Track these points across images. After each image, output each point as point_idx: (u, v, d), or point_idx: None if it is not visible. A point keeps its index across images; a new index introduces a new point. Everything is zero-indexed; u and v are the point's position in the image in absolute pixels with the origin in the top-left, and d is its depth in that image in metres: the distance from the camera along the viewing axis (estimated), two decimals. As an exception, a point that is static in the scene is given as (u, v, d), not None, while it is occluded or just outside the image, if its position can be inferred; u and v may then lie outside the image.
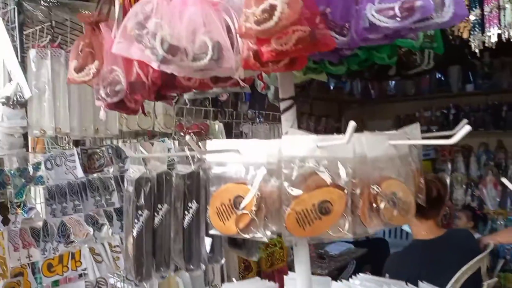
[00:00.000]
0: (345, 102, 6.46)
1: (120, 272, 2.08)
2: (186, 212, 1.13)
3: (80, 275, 1.99)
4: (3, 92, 1.73)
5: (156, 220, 1.12)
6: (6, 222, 1.68)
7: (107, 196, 2.04)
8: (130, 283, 2.14)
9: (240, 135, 2.82)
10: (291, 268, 3.34)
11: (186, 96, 2.41)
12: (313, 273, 0.96)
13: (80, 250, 1.92)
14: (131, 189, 1.15)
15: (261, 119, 2.89)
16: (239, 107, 2.70)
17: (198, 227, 1.13)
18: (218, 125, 2.61)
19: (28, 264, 1.76)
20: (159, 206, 1.15)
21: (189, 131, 2.42)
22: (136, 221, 1.10)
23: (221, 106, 2.68)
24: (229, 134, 2.68)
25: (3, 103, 1.70)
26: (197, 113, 2.59)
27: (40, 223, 1.81)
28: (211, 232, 0.88)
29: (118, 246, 2.04)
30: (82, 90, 1.91)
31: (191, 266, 1.12)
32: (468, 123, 0.80)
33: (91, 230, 1.95)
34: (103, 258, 1.99)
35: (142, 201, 1.11)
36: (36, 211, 1.77)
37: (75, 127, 1.88)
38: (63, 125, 1.83)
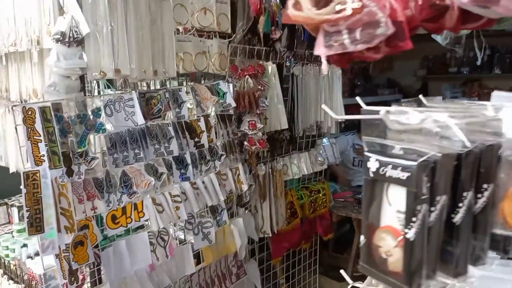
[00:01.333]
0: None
1: (180, 222, 2.00)
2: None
3: (142, 226, 1.91)
4: (57, 27, 1.51)
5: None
6: (70, 173, 1.55)
7: (166, 144, 1.89)
8: (188, 232, 2.07)
9: (291, 78, 2.61)
10: (331, 213, 3.31)
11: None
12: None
13: (142, 201, 1.81)
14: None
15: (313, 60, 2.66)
16: (295, 46, 2.46)
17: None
18: (270, 67, 2.40)
19: (93, 216, 1.66)
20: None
21: (245, 73, 2.21)
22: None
23: (273, 45, 2.44)
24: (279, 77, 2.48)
25: (58, 40, 1.49)
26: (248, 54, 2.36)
27: (103, 174, 1.68)
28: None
29: (178, 195, 1.93)
30: (139, 27, 1.68)
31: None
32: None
33: (152, 179, 1.83)
34: (164, 208, 1.89)
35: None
36: (98, 161, 1.63)
37: (134, 69, 1.68)
38: (122, 66, 1.63)
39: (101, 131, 1.64)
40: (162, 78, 1.87)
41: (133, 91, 1.74)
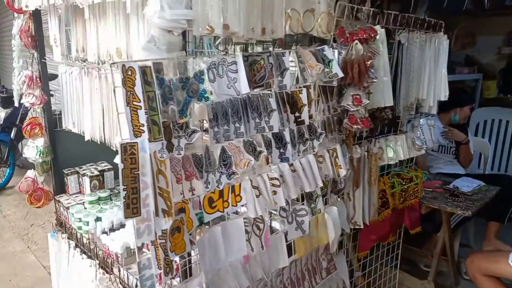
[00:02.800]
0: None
1: (276, 208, 1.73)
2: None
3: (237, 212, 1.67)
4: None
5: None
6: (170, 147, 1.31)
7: (266, 118, 1.61)
8: (282, 220, 1.80)
9: (397, 47, 2.23)
10: (421, 205, 2.95)
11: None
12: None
13: (240, 183, 1.56)
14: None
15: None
16: (411, 9, 2.07)
17: None
18: (379, 32, 2.03)
19: (189, 199, 1.42)
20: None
21: (354, 37, 1.87)
22: None
23: (380, 6, 2.06)
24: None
25: (163, -14, 1.22)
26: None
27: (202, 150, 1.43)
28: None
29: (276, 178, 1.66)
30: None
31: None
32: None
33: (251, 159, 1.56)
34: (262, 192, 1.63)
35: None
36: (199, 134, 1.38)
37: (242, 26, 1.39)
38: (231, 22, 1.34)
39: (203, 99, 1.37)
40: (269, 38, 1.56)
41: (238, 53, 1.45)
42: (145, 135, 1.23)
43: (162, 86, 1.27)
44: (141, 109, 1.22)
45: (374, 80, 1.94)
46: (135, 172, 1.24)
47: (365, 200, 2.31)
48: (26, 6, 2.13)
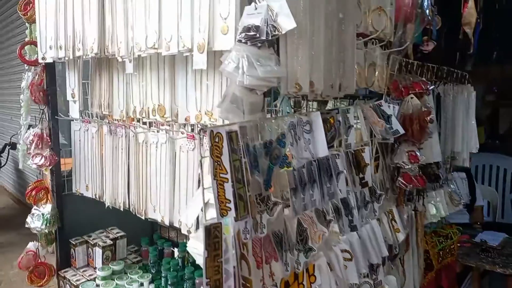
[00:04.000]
0: None
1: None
2: None
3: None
4: (246, 18, 1.08)
5: None
6: (254, 226, 1.09)
7: (335, 182, 1.43)
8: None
9: (436, 100, 2.15)
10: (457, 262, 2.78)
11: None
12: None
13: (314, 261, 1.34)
14: None
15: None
16: (457, 60, 2.01)
17: None
18: (425, 85, 1.94)
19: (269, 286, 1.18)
20: None
21: (409, 91, 1.76)
22: None
23: (425, 59, 1.99)
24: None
25: (250, 38, 1.05)
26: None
27: (281, 226, 1.21)
28: None
29: (347, 250, 1.46)
30: (328, 26, 1.25)
31: None
32: None
33: (325, 230, 1.36)
34: (334, 267, 1.41)
35: None
36: (281, 207, 1.17)
37: (323, 83, 1.24)
38: (316, 79, 1.19)
39: (285, 166, 1.18)
40: (343, 95, 1.42)
41: (316, 112, 1.29)
42: (232, 213, 1.01)
43: (250, 153, 1.07)
44: (228, 182, 1.01)
45: (431, 136, 1.82)
46: (218, 260, 1.01)
47: (414, 263, 2.12)
48: (43, 58, 1.92)
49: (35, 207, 2.13)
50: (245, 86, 1.08)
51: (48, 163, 2.07)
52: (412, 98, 1.76)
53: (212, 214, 1.05)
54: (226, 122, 1.34)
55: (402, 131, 1.68)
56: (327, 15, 1.24)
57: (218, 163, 1.00)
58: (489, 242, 3.01)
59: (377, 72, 1.66)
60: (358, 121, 1.58)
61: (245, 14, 1.10)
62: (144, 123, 1.80)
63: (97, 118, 2.01)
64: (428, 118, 1.73)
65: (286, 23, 1.06)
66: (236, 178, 1.03)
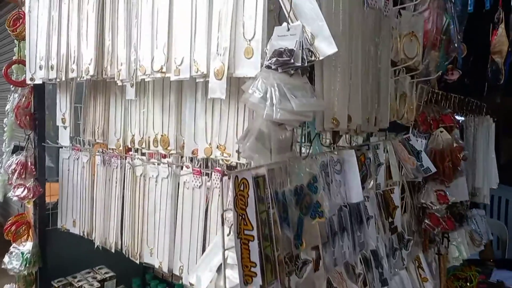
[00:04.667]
0: None
1: None
2: None
3: None
4: (276, 41, 0.90)
5: None
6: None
7: (365, 230, 1.23)
8: None
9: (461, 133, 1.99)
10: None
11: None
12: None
13: (345, 325, 1.13)
14: None
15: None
16: (485, 91, 1.86)
17: None
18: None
19: None
20: None
21: (438, 124, 1.60)
22: None
23: (448, 89, 1.84)
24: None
25: (283, 64, 0.87)
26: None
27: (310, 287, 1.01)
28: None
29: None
30: (366, 53, 1.09)
31: None
32: None
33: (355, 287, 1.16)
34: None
35: None
36: (310, 266, 0.97)
37: (361, 117, 1.06)
38: (353, 113, 1.01)
39: (317, 216, 0.98)
40: (377, 129, 1.24)
41: (350, 149, 1.10)
42: (258, 280, 0.81)
43: (277, 201, 0.88)
44: (253, 240, 0.81)
45: (463, 175, 1.65)
46: None
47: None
48: (31, 79, 1.72)
49: (14, 244, 1.88)
50: (273, 121, 0.90)
51: (32, 195, 1.84)
52: (441, 132, 1.60)
53: (232, 276, 0.85)
54: (243, 160, 1.16)
55: (433, 169, 1.51)
56: (364, 38, 1.07)
57: (243, 216, 0.80)
58: (506, 283, 2.82)
59: (406, 104, 1.50)
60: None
61: (275, 35, 0.92)
62: (143, 154, 1.60)
63: (90, 146, 1.81)
64: (461, 155, 1.56)
65: (326, 47, 0.88)
66: (263, 234, 0.83)
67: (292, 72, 0.90)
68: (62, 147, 1.91)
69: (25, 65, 1.80)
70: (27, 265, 1.84)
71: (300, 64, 0.88)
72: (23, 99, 1.83)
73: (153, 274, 2.27)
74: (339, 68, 0.97)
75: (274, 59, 0.89)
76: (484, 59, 1.79)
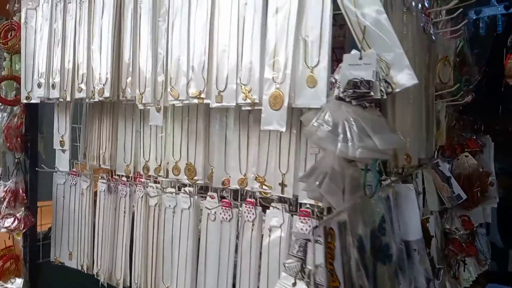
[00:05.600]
0: None
1: None
2: None
3: None
4: (348, 70, 0.81)
5: None
6: None
7: (416, 267, 1.16)
8: None
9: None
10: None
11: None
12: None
13: None
14: None
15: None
16: (500, 111, 1.86)
17: None
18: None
19: None
20: None
21: (465, 149, 1.57)
22: None
23: (466, 112, 1.82)
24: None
25: (360, 97, 0.79)
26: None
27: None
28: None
29: None
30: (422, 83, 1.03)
31: None
32: None
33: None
34: None
35: None
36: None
37: (418, 151, 0.99)
38: (420, 146, 0.94)
39: (387, 261, 0.90)
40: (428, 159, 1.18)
41: (407, 184, 1.03)
42: None
43: (358, 249, 0.78)
44: (341, 298, 0.71)
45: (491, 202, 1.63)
46: None
47: None
48: (27, 98, 1.55)
49: (1, 282, 1.68)
50: (344, 158, 0.81)
51: (23, 226, 1.65)
52: (467, 156, 1.56)
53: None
54: (287, 194, 1.06)
55: (464, 195, 1.47)
56: (422, 65, 1.01)
57: (331, 272, 0.70)
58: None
59: (440, 129, 1.46)
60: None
61: (345, 64, 0.84)
62: (157, 181, 1.46)
63: (91, 171, 1.64)
64: (489, 180, 1.54)
65: (405, 78, 0.81)
66: (348, 290, 0.73)
67: (367, 105, 0.82)
68: (56, 172, 1.73)
69: (17, 82, 1.63)
70: (16, 305, 1.64)
71: (379, 97, 0.80)
72: (15, 119, 1.64)
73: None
74: (411, 99, 0.90)
75: (351, 90, 0.80)
76: (498, 82, 1.80)
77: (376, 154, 0.79)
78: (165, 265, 1.42)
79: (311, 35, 0.89)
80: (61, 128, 1.61)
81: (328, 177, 0.81)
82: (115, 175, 1.58)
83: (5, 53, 1.65)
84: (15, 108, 1.68)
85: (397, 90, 0.82)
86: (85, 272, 1.66)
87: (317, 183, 0.83)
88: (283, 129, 0.91)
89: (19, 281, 1.67)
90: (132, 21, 1.22)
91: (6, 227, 1.63)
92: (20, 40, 1.57)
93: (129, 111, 1.48)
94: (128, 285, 1.52)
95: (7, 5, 1.66)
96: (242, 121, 1.18)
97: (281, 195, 1.09)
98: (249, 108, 0.99)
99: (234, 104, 1.00)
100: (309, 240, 0.84)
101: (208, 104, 1.16)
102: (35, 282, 1.74)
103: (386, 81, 0.82)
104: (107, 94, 1.27)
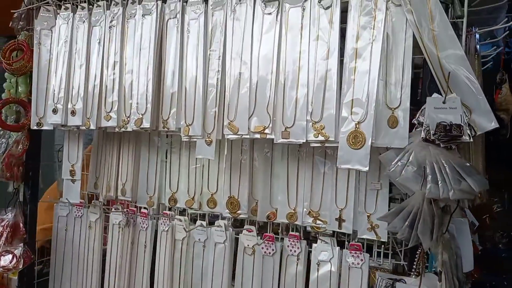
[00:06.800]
0: None
1: None
2: None
3: None
4: (434, 113, 0.85)
5: None
6: None
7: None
8: None
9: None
10: None
11: None
12: None
13: None
14: None
15: None
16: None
17: None
18: None
19: None
20: None
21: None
22: None
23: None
24: None
25: (452, 139, 0.82)
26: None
27: None
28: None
29: None
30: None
31: None
32: None
33: None
34: None
35: None
36: None
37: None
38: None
39: (461, 295, 0.93)
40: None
41: (462, 218, 1.08)
42: None
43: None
44: None
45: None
46: None
47: None
48: (39, 124, 1.42)
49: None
50: (432, 198, 0.84)
51: (22, 263, 1.49)
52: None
53: None
54: (345, 229, 1.06)
55: (476, 222, 1.56)
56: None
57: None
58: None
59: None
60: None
61: (430, 107, 0.87)
62: (182, 213, 1.40)
63: (102, 203, 1.53)
64: (494, 207, 1.65)
65: (485, 122, 0.86)
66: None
67: (453, 147, 0.86)
68: (69, 204, 1.59)
69: (22, 106, 1.50)
70: None
71: (468, 140, 0.84)
72: (17, 146, 1.50)
73: None
74: (480, 139, 0.96)
75: (442, 133, 0.84)
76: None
77: (466, 195, 0.83)
78: (194, 303, 1.35)
79: (393, 77, 0.92)
80: (72, 157, 1.50)
81: (421, 217, 0.83)
82: (130, 207, 1.49)
83: (6, 74, 1.52)
84: (15, 134, 1.53)
85: (479, 133, 0.87)
86: (90, 312, 1.54)
87: (407, 223, 0.85)
88: (366, 169, 0.92)
89: (14, 327, 1.50)
90: (178, 47, 1.18)
91: (2, 267, 1.46)
92: (29, 61, 1.45)
93: (153, 139, 1.42)
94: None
95: (10, 23, 1.54)
96: (291, 154, 1.18)
97: (338, 230, 1.10)
98: (318, 144, 0.99)
99: (304, 141, 1.00)
100: (396, 280, 0.85)
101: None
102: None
103: (469, 125, 0.87)
104: (146, 124, 1.21)
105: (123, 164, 1.46)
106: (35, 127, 1.43)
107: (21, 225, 1.51)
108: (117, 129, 1.29)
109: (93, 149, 1.56)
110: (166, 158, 1.41)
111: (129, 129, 1.26)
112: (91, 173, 1.56)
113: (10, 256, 1.49)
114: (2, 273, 1.53)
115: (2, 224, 1.49)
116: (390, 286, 0.84)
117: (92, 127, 1.32)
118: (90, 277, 1.54)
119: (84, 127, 1.35)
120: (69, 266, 1.59)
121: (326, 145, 0.98)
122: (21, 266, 1.49)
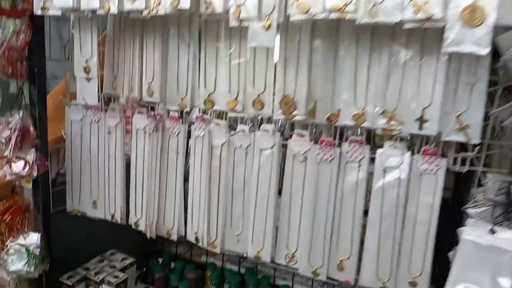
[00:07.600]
0: None
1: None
2: None
3: None
4: None
5: None
6: None
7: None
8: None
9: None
10: None
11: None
12: None
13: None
14: None
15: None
16: None
17: None
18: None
19: None
20: None
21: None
22: None
23: None
24: None
25: None
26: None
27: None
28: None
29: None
30: None
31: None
32: None
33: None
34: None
35: None
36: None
37: None
38: None
39: None
40: None
41: None
42: None
43: None
44: None
45: None
46: None
47: None
48: (43, 9, 1.17)
49: (11, 239, 1.38)
50: None
51: (36, 171, 1.34)
52: None
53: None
54: (427, 130, 0.92)
55: None
56: None
57: None
58: None
59: None
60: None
61: None
62: (219, 117, 1.24)
63: (124, 104, 1.35)
64: None
65: None
66: None
67: None
68: (83, 107, 1.39)
69: (19, -15, 1.22)
70: (36, 263, 1.37)
71: None
72: (17, 38, 1.25)
73: (170, 253, 1.93)
74: None
75: None
76: None
77: None
78: (234, 212, 1.25)
79: None
80: (86, 50, 1.27)
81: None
82: (156, 110, 1.31)
83: None
84: (12, 24, 1.27)
85: None
86: (117, 222, 1.43)
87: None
88: (485, 51, 0.74)
89: (35, 236, 1.38)
90: None
91: (16, 173, 1.31)
92: None
93: (183, 31, 1.19)
94: (183, 234, 1.34)
95: None
96: (360, 42, 0.98)
97: (418, 132, 0.95)
98: (415, 26, 0.80)
99: (397, 20, 0.80)
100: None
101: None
102: (48, 235, 1.46)
103: None
104: (185, 5, 0.97)
105: (148, 59, 1.25)
106: (38, 12, 1.18)
107: (31, 128, 1.33)
108: (145, 13, 1.06)
109: (108, 41, 1.33)
110: (200, 53, 1.20)
111: (160, 12, 1.03)
112: (108, 71, 1.35)
113: (22, 162, 1.33)
114: (14, 181, 1.38)
115: (9, 127, 1.30)
116: (505, 189, 0.72)
117: (113, 10, 1.08)
118: (113, 186, 1.42)
119: (102, 11, 1.10)
120: (87, 175, 1.45)
121: (426, 25, 0.79)
122: (35, 174, 1.34)
